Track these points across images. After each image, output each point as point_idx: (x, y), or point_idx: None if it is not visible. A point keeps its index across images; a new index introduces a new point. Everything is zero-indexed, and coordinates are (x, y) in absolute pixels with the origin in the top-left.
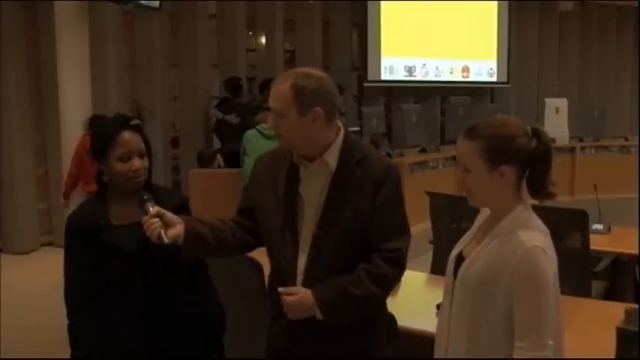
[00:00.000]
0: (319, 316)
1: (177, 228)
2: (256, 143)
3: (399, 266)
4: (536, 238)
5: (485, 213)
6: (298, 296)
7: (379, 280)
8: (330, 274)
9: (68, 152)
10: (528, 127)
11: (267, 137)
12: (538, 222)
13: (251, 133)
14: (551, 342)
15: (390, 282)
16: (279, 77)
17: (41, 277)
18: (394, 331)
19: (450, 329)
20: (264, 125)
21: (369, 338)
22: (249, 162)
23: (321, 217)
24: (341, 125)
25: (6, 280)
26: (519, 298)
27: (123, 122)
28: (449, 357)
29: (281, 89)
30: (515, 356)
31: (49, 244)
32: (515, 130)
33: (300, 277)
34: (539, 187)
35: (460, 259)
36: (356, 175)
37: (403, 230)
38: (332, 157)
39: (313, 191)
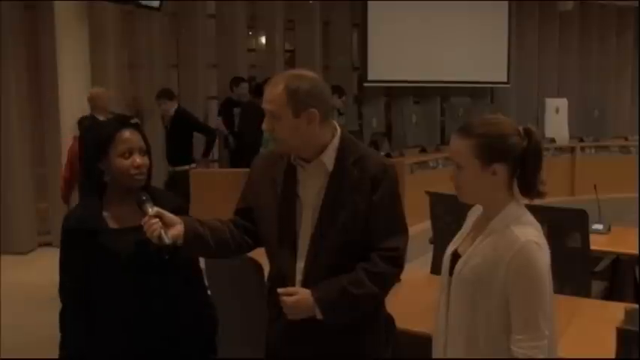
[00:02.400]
0: (319, 316)
1: (178, 228)
2: None
3: (397, 265)
4: (531, 233)
5: (477, 210)
6: (298, 297)
7: (378, 279)
8: (328, 275)
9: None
10: (520, 127)
11: None
12: (531, 218)
13: None
14: (547, 332)
15: (388, 281)
16: (271, 80)
17: (39, 277)
18: (393, 330)
19: (448, 326)
20: None
21: (369, 338)
22: None
23: (319, 218)
24: (337, 125)
25: (5, 280)
26: (516, 292)
27: (122, 121)
28: (448, 354)
29: (274, 92)
30: (513, 348)
31: (48, 244)
32: (508, 130)
33: (299, 277)
34: (529, 185)
35: (455, 256)
36: (353, 175)
37: (401, 229)
38: (329, 158)
39: (311, 192)
